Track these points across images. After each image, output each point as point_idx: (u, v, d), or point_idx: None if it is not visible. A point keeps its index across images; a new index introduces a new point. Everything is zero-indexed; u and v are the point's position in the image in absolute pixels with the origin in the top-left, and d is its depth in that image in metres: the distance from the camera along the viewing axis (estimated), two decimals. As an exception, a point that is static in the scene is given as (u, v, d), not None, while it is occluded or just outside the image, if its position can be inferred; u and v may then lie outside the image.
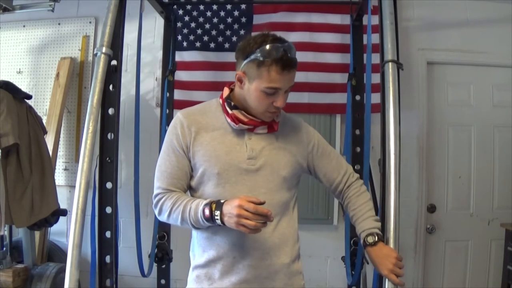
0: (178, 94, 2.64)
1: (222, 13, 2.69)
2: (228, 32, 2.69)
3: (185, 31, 2.70)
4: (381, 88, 1.68)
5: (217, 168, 1.23)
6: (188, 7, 2.69)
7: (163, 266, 2.45)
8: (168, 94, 2.47)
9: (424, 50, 2.71)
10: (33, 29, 2.94)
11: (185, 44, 2.70)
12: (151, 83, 2.80)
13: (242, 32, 2.68)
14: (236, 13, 2.69)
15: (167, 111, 2.45)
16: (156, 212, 1.27)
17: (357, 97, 2.34)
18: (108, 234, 1.76)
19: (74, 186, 1.57)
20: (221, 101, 1.30)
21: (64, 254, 2.62)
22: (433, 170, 2.74)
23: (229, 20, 2.69)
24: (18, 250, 2.51)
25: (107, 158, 1.78)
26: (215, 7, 2.69)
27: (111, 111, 1.78)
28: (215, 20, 2.69)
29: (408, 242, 2.64)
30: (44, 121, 2.60)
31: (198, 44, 2.70)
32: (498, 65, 2.71)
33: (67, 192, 2.81)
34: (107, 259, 1.75)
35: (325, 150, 1.37)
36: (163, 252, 2.36)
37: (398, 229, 1.37)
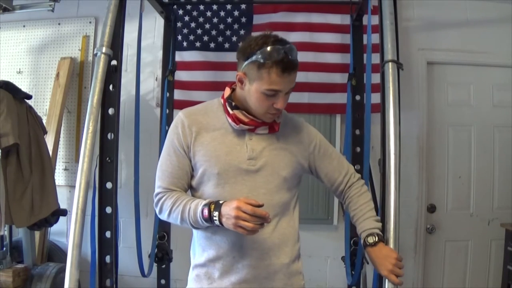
0: (178, 94, 2.64)
1: (222, 13, 2.69)
2: (228, 32, 2.69)
3: (185, 31, 2.70)
4: (381, 88, 1.68)
5: (217, 168, 1.23)
6: (188, 7, 2.69)
7: (163, 266, 2.45)
8: (168, 94, 2.47)
9: (424, 50, 2.71)
10: (33, 29, 2.94)
11: (185, 44, 2.70)
12: (151, 83, 2.80)
13: (242, 32, 2.68)
14: (236, 13, 2.69)
15: (167, 111, 2.45)
16: (157, 211, 1.28)
17: (357, 97, 2.34)
18: (108, 234, 1.76)
19: (74, 186, 1.57)
20: (222, 101, 1.30)
21: (64, 254, 2.62)
22: (433, 170, 2.74)
23: (229, 20, 2.69)
24: (18, 250, 2.51)
25: (107, 158, 1.78)
26: (215, 7, 2.69)
27: (111, 111, 1.78)
28: (215, 20, 2.69)
29: (408, 242, 2.64)
30: (44, 121, 2.60)
31: (198, 44, 2.70)
32: (498, 65, 2.71)
33: (67, 192, 2.81)
34: (107, 259, 1.75)
35: (327, 151, 1.37)
36: (163, 252, 2.36)
37: (398, 229, 1.37)
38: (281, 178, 1.27)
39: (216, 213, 1.12)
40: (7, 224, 2.28)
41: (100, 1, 2.55)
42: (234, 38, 2.68)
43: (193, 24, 2.70)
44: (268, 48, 1.14)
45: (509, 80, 2.71)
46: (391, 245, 1.34)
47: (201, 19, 2.70)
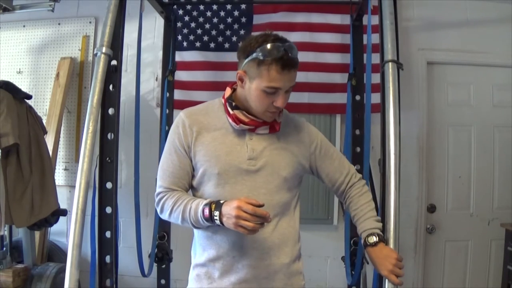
0: (178, 94, 2.64)
1: (222, 13, 2.69)
2: (228, 32, 2.69)
3: (185, 31, 2.70)
4: (381, 88, 1.68)
5: (217, 169, 1.23)
6: (188, 7, 2.69)
7: (163, 266, 2.45)
8: (168, 94, 2.47)
9: (424, 50, 2.71)
10: (33, 29, 2.94)
11: (185, 44, 2.70)
12: (151, 83, 2.80)
13: (242, 32, 2.68)
14: (236, 13, 2.69)
15: (167, 111, 2.44)
16: (158, 210, 1.29)
17: (357, 97, 2.34)
18: (108, 234, 1.76)
19: (74, 186, 1.57)
20: (223, 101, 1.30)
21: (64, 254, 2.62)
22: (433, 170, 2.74)
23: (229, 20, 2.69)
24: (18, 250, 2.51)
25: (107, 158, 1.78)
26: (215, 7, 2.69)
27: (111, 111, 1.78)
28: (215, 20, 2.69)
29: (408, 242, 2.64)
30: (44, 121, 2.60)
31: (198, 44, 2.70)
32: (498, 65, 2.71)
33: (67, 192, 2.81)
34: (107, 259, 1.75)
35: (328, 151, 1.37)
36: (163, 252, 2.36)
37: (398, 229, 1.37)
38: (282, 178, 1.26)
39: (216, 213, 1.12)
40: (7, 224, 2.28)
41: (100, 1, 2.55)
42: (234, 38, 2.68)
43: (193, 24, 2.70)
44: (268, 46, 1.15)
45: (509, 80, 2.71)
46: (391, 245, 1.34)
47: (201, 19, 2.70)
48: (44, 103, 2.86)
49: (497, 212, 2.72)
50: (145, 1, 2.08)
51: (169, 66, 2.46)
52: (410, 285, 2.62)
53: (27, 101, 2.43)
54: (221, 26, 2.69)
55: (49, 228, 2.60)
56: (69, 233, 1.61)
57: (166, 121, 2.39)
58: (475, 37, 2.70)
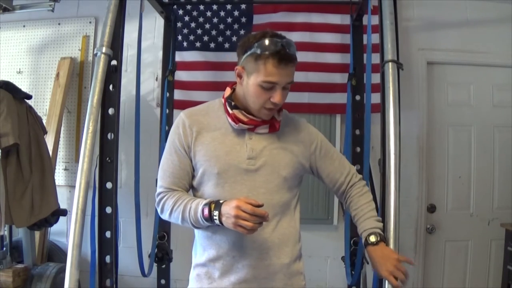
0: (178, 94, 2.64)
1: (222, 13, 2.69)
2: (228, 32, 2.69)
3: (185, 31, 2.70)
4: (381, 88, 1.68)
5: (216, 168, 1.23)
6: (188, 7, 2.69)
7: (163, 266, 2.45)
8: (168, 94, 2.46)
9: (424, 50, 2.71)
10: (33, 29, 2.94)
11: (185, 44, 2.70)
12: (151, 83, 2.80)
13: (242, 32, 2.68)
14: (236, 13, 2.69)
15: (167, 111, 2.44)
16: (158, 210, 1.29)
17: (357, 97, 2.34)
18: (108, 234, 1.76)
19: (74, 186, 1.57)
20: (223, 101, 1.30)
21: (64, 254, 2.62)
22: (433, 170, 2.74)
23: (229, 20, 2.69)
24: (18, 250, 2.51)
25: (107, 158, 1.78)
26: (215, 7, 2.69)
27: (111, 111, 1.78)
28: (215, 20, 2.69)
29: (408, 242, 2.64)
30: (44, 121, 2.60)
31: (198, 44, 2.70)
32: (498, 65, 2.71)
33: (67, 192, 2.81)
34: (107, 259, 1.75)
35: (328, 151, 1.37)
36: (163, 252, 2.36)
37: (398, 229, 1.37)
38: (281, 178, 1.26)
39: (216, 213, 1.12)
40: (7, 224, 2.28)
41: (100, 1, 2.55)
42: (234, 38, 2.68)
43: (193, 24, 2.70)
44: (266, 40, 1.16)
45: (509, 80, 2.71)
46: (391, 245, 1.34)
47: (201, 19, 2.70)
48: (44, 103, 2.86)
49: (497, 212, 2.72)
50: (145, 1, 2.08)
51: (169, 66, 2.46)
52: (410, 285, 2.61)
53: (27, 101, 2.42)
54: (221, 26, 2.69)
55: (49, 228, 2.60)
56: (69, 233, 1.61)
57: (166, 121, 2.38)
58: (475, 37, 2.70)
